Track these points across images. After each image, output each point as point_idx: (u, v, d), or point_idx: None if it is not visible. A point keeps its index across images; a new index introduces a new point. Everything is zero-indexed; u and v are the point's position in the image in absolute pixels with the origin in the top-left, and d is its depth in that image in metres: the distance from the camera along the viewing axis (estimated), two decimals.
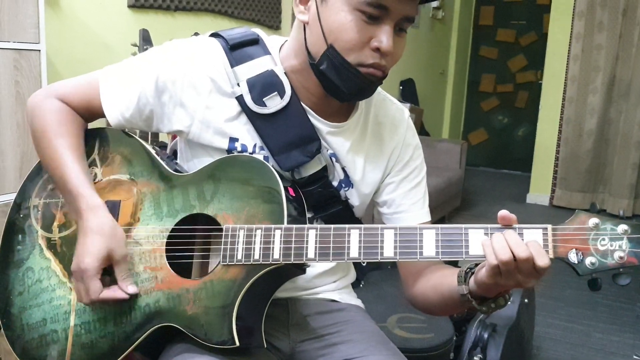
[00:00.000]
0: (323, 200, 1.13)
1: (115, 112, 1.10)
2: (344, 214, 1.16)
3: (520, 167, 6.70)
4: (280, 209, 0.97)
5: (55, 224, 1.11)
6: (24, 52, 1.86)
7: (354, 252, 0.94)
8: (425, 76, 5.90)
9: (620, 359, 2.65)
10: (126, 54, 2.34)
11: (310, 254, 0.95)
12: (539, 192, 5.45)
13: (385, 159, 1.17)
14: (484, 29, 6.87)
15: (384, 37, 0.99)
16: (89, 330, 1.04)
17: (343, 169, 1.15)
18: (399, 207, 1.18)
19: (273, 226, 0.97)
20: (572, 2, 4.96)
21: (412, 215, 1.18)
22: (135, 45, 2.28)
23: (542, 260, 0.85)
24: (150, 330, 1.01)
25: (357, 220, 1.21)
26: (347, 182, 1.15)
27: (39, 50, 1.90)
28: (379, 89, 1.17)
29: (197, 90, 1.06)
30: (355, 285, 1.33)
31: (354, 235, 0.94)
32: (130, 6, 2.73)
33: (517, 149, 6.86)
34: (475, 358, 2.06)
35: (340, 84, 1.02)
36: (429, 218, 1.20)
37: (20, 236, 1.12)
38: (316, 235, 0.95)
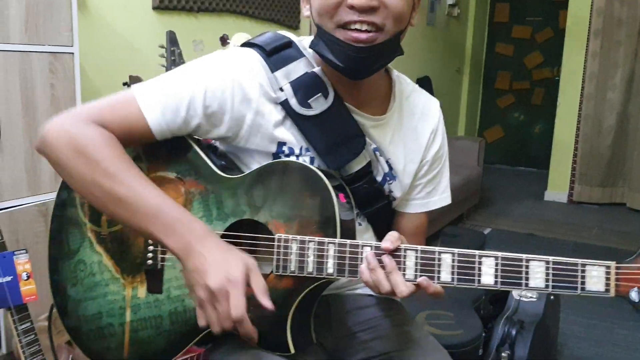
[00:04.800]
0: (369, 196, 1.14)
1: (163, 126, 1.02)
2: (387, 209, 1.18)
3: (536, 165, 6.67)
4: (334, 221, 0.98)
5: (104, 217, 1.09)
6: (59, 55, 1.90)
7: (409, 274, 0.94)
8: (441, 74, 5.89)
9: None
10: (153, 55, 2.38)
11: None
12: (557, 189, 5.42)
13: (422, 149, 1.19)
14: (500, 26, 6.84)
15: None
16: (145, 327, 1.06)
17: (387, 161, 1.16)
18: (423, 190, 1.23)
19: (327, 240, 0.97)
20: None
21: (437, 200, 1.24)
22: (162, 47, 2.30)
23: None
24: (205, 332, 1.02)
25: (394, 213, 1.23)
26: (391, 175, 1.16)
27: (73, 53, 1.94)
28: (407, 80, 1.20)
29: (246, 97, 1.05)
30: None
31: (410, 257, 0.94)
32: (155, 8, 2.76)
33: (533, 146, 6.83)
34: (503, 354, 2.07)
35: (333, 57, 1.01)
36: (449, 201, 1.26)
37: (69, 228, 1.11)
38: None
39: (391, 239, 0.94)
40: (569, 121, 5.25)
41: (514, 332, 2.08)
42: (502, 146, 7.03)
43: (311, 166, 1.03)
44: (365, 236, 1.17)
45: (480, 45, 6.85)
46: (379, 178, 1.15)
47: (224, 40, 2.03)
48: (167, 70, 2.28)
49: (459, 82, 6.60)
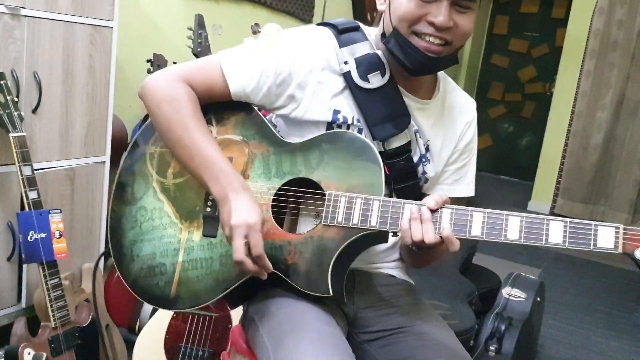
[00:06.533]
0: (402, 173, 1.26)
1: (239, 86, 1.20)
2: (415, 188, 1.30)
3: (521, 175, 6.84)
4: (380, 184, 1.12)
5: (170, 171, 1.24)
6: (99, 28, 1.98)
7: (445, 227, 1.06)
8: None
9: None
10: (176, 36, 2.46)
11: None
12: (540, 201, 5.59)
13: (456, 138, 1.32)
14: (498, 38, 6.99)
15: (437, 12, 1.11)
16: (195, 267, 1.18)
17: (426, 143, 1.29)
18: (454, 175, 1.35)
19: (372, 197, 1.11)
20: (589, 19, 5.08)
21: (462, 189, 1.36)
22: (190, 29, 2.39)
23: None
24: (249, 276, 1.13)
25: (422, 195, 1.34)
26: (426, 157, 1.29)
27: (112, 27, 2.01)
28: (450, 79, 1.33)
29: (312, 67, 1.20)
30: None
31: (446, 214, 1.07)
32: None
33: (519, 157, 6.99)
34: (491, 347, 2.20)
35: (404, 59, 1.16)
36: (472, 194, 1.38)
37: (135, 178, 1.25)
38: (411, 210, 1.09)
39: (436, 200, 1.08)
40: (557, 136, 5.40)
41: (502, 328, 2.21)
42: (489, 155, 7.18)
43: (365, 139, 1.16)
44: None
45: (477, 55, 6.99)
46: (415, 158, 1.28)
47: (254, 31, 2.12)
48: (192, 51, 2.38)
49: None
